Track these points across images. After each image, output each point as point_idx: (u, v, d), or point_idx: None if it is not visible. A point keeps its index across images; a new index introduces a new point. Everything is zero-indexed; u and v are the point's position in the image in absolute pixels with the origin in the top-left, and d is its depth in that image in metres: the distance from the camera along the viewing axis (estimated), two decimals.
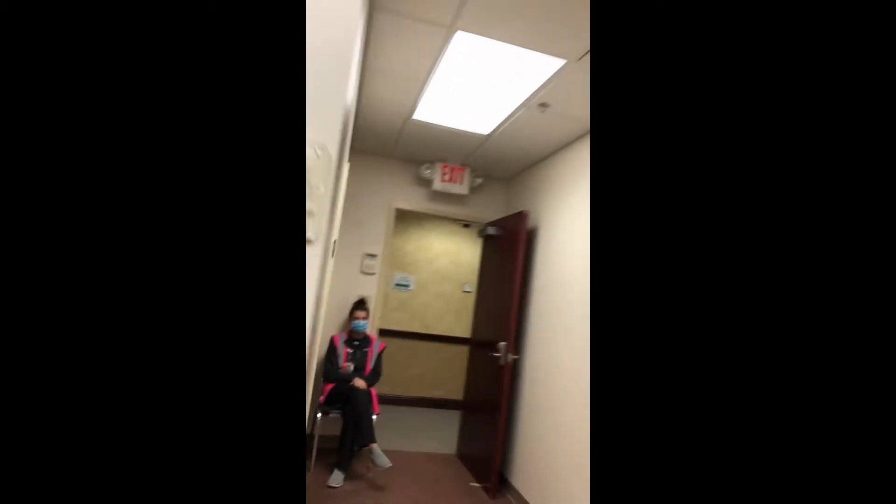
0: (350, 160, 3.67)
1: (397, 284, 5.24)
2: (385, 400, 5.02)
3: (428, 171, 3.76)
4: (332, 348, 3.40)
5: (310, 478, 3.02)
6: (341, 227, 3.69)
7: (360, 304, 3.56)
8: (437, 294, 5.35)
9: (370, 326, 3.70)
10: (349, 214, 3.76)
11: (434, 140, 3.35)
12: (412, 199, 3.93)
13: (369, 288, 3.78)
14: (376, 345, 3.54)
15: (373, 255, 3.80)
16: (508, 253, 3.32)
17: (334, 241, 2.65)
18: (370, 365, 3.45)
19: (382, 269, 3.82)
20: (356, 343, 3.46)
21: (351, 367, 3.37)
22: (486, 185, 4.06)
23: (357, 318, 3.44)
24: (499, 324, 3.29)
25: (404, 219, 5.24)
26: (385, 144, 3.58)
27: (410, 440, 4.01)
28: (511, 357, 3.08)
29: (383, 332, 5.03)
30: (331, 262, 3.69)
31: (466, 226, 4.93)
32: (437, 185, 3.74)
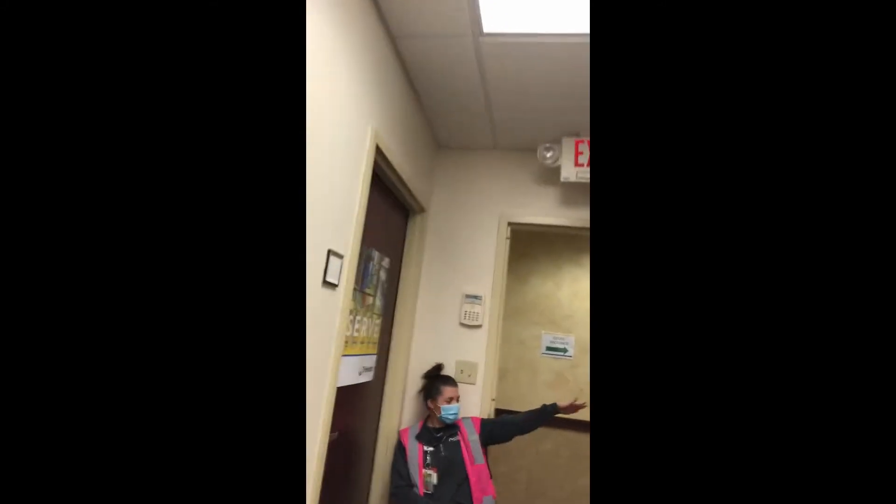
0: (433, 158, 2.50)
1: (549, 348, 3.67)
2: None
3: (551, 155, 2.34)
4: (400, 451, 2.06)
5: None
6: (423, 257, 2.48)
7: (440, 375, 2.21)
8: None
9: (473, 408, 2.27)
10: (437, 239, 2.53)
11: (545, 88, 1.97)
12: (534, 207, 2.51)
13: (475, 348, 2.39)
14: (469, 427, 2.08)
15: (475, 298, 2.44)
16: None
17: (340, 257, 1.43)
18: (470, 459, 1.99)
19: (494, 319, 2.41)
20: (438, 435, 2.06)
21: (433, 477, 1.97)
22: None
23: (449, 401, 2.07)
24: None
25: (550, 246, 3.76)
26: (474, 121, 2.33)
27: None
28: None
29: None
30: (415, 307, 2.36)
31: None
32: (569, 173, 2.27)
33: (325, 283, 1.39)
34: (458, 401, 2.08)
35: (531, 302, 3.71)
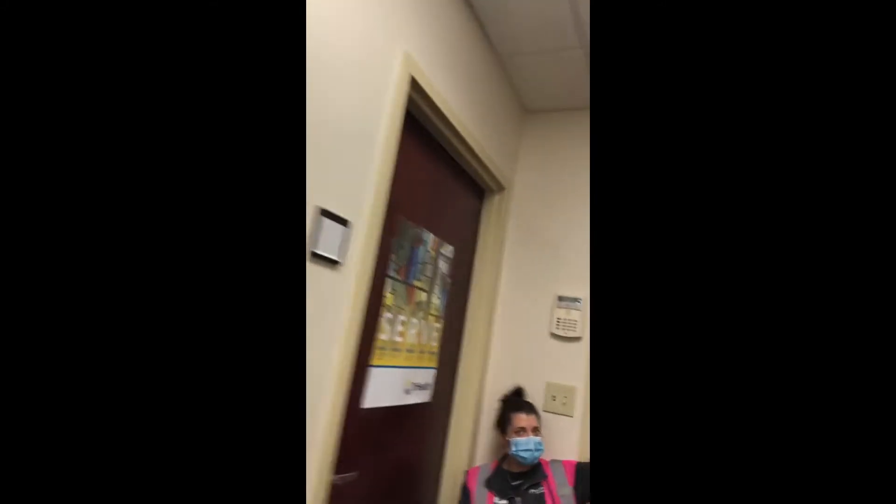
0: (518, 125, 2.01)
1: None
2: None
3: None
4: (464, 498, 1.53)
5: None
6: (503, 248, 1.98)
7: (516, 401, 1.64)
8: None
9: (569, 449, 1.66)
10: (521, 225, 2.01)
11: None
12: None
13: (572, 366, 1.80)
14: (559, 474, 1.49)
15: (573, 301, 1.85)
16: None
17: (342, 224, 1.01)
18: None
19: None
20: (515, 483, 1.49)
21: None
22: None
23: (520, 433, 1.52)
24: None
25: None
26: (566, 69, 1.78)
27: None
28: None
29: None
30: (493, 311, 1.84)
31: None
32: None
33: (315, 257, 0.97)
34: (535, 433, 1.51)
35: None
